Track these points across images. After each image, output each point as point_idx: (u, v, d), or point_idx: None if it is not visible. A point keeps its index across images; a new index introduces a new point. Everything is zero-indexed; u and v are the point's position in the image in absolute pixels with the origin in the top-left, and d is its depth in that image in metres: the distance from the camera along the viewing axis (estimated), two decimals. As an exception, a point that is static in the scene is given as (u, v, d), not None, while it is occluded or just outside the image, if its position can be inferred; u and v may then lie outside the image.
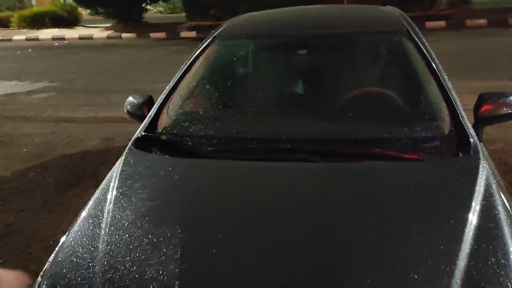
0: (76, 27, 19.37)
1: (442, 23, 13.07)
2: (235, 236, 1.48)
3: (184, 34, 15.41)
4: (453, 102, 1.98)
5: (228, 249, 1.42)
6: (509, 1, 13.96)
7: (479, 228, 1.41)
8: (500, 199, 1.54)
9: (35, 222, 3.47)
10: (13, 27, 20.20)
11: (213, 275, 1.33)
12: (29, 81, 9.19)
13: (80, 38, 16.66)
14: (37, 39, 17.16)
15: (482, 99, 2.11)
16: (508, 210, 1.52)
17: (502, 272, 1.28)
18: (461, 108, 1.97)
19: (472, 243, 1.35)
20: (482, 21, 12.87)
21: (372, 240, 1.39)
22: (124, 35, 16.30)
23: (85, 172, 4.39)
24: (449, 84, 2.10)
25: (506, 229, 1.41)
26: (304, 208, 1.58)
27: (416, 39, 2.35)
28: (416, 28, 2.51)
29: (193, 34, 14.87)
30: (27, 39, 17.18)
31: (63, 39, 16.84)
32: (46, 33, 17.81)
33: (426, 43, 2.38)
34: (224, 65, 2.69)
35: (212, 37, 2.64)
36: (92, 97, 7.44)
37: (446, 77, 2.16)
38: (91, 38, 16.59)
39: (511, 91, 2.22)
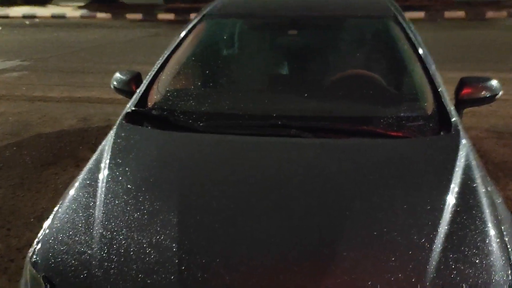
0: (48, 5, 18.77)
1: (421, 14, 13.29)
2: (229, 204, 1.52)
3: (161, 16, 15.16)
4: (436, 84, 2.06)
5: (223, 216, 1.46)
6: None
7: (459, 198, 1.50)
8: (478, 172, 1.64)
9: (13, 199, 3.42)
10: (-19, 3, 19.41)
11: (210, 240, 1.37)
12: (0, 59, 8.90)
13: (53, 16, 16.17)
14: (7, 17, 16.56)
15: (463, 83, 2.20)
16: (485, 182, 1.62)
17: (480, 238, 1.37)
18: (443, 90, 2.05)
19: (452, 212, 1.44)
20: (460, 13, 13.16)
21: (359, 210, 1.46)
22: (98, 15, 15.91)
23: (63, 151, 4.33)
24: (433, 68, 2.18)
25: (483, 199, 1.51)
26: (294, 180, 1.63)
27: (403, 24, 2.42)
28: (403, 14, 2.58)
29: (171, 16, 14.65)
30: (-4, 17, 16.56)
31: (34, 17, 16.29)
32: (17, 11, 17.19)
33: (413, 28, 2.45)
34: (213, 43, 2.70)
35: (201, 15, 2.65)
36: (67, 77, 7.28)
37: (431, 60, 2.24)
38: (64, 17, 16.13)
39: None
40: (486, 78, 2.23)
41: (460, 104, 2.19)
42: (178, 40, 2.50)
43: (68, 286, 1.33)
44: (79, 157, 4.10)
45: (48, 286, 1.35)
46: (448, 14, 13.25)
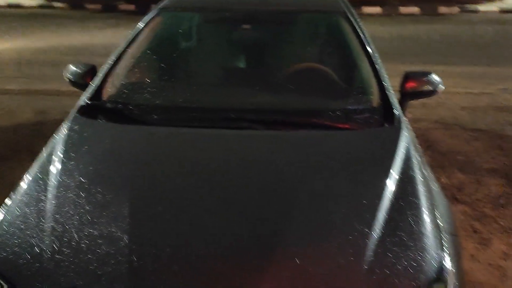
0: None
1: (378, 9, 13.64)
2: (179, 196, 1.58)
3: (122, 6, 14.91)
4: (382, 78, 2.18)
5: (173, 207, 1.52)
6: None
7: (397, 186, 1.62)
8: (417, 162, 1.76)
9: (-32, 194, 3.34)
10: None
11: (160, 231, 1.43)
12: (-46, 50, 8.57)
13: (9, 5, 15.61)
14: (-41, 5, 15.87)
15: (407, 77, 2.33)
16: (423, 171, 1.75)
17: (415, 222, 1.48)
18: (388, 84, 2.17)
19: (390, 199, 1.55)
20: (415, 9, 13.59)
21: (303, 198, 1.56)
22: (56, 4, 15.48)
23: (19, 145, 4.24)
24: (379, 62, 2.29)
25: (419, 187, 1.63)
26: (242, 171, 1.72)
27: (352, 20, 2.52)
28: (353, 10, 2.69)
29: (131, 7, 14.44)
30: None
31: (-12, 6, 15.70)
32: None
33: (361, 24, 2.57)
34: (169, 37, 2.74)
35: (158, 9, 2.68)
36: (25, 69, 7.11)
37: (377, 56, 2.36)
38: (19, 6, 15.60)
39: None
40: (428, 72, 2.37)
41: (405, 97, 2.31)
42: (134, 34, 2.52)
43: (20, 279, 1.35)
44: (35, 151, 3.96)
45: (1, 281, 1.36)
46: (403, 9, 13.66)
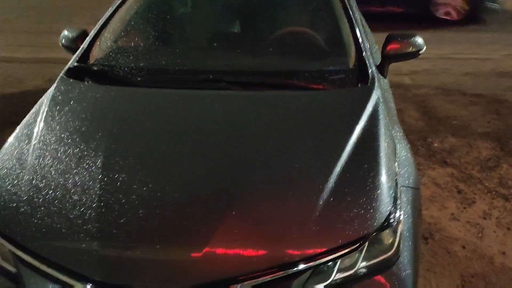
0: (17, -36, 18.08)
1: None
2: (151, 149, 1.69)
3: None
4: (360, 40, 2.21)
5: (144, 159, 1.63)
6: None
7: (360, 141, 1.70)
8: (383, 120, 1.82)
9: (-26, 156, 3.52)
10: None
11: (129, 180, 1.54)
12: (-35, 19, 8.72)
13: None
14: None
15: (389, 39, 2.35)
16: (388, 129, 1.81)
17: (371, 174, 1.56)
18: (366, 46, 2.21)
19: (350, 152, 1.63)
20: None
21: (268, 151, 1.66)
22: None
23: (26, 111, 4.31)
24: (359, 26, 2.33)
25: (381, 142, 1.70)
26: (214, 127, 1.81)
27: None
28: None
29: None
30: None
31: (2, -24, 15.75)
32: (-16, -31, 16.56)
33: None
34: (158, 1, 2.79)
35: None
36: (34, 38, 7.21)
37: (359, 18, 2.39)
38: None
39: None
40: (411, 34, 2.38)
41: (386, 59, 2.34)
42: (122, -3, 2.59)
43: (0, 223, 1.48)
44: (41, 116, 4.18)
45: None
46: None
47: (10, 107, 4.46)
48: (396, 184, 1.60)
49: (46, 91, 5.01)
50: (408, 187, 1.68)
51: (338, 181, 1.52)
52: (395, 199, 1.54)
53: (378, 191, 1.52)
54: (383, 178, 1.57)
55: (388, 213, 1.47)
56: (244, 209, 1.45)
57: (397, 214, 1.50)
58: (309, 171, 1.57)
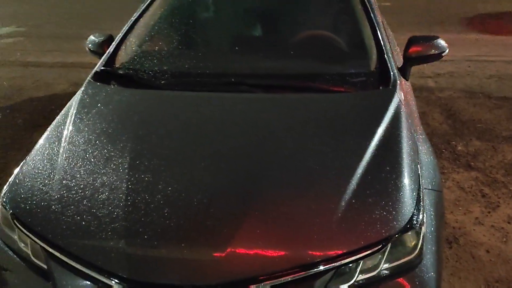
0: (45, -29, 18.57)
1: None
2: (176, 151, 1.73)
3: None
4: (382, 43, 2.22)
5: (169, 160, 1.67)
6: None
7: (381, 143, 1.70)
8: (405, 122, 1.82)
9: (4, 158, 3.64)
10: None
11: (155, 180, 1.58)
12: (-4, 25, 9.01)
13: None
14: (4, -17, 16.47)
15: (410, 41, 2.34)
16: (411, 131, 1.81)
17: (393, 177, 1.56)
18: (388, 49, 2.21)
19: (372, 154, 1.64)
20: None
21: (291, 152, 1.68)
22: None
23: (54, 113, 4.46)
24: (381, 28, 2.33)
25: (403, 146, 1.70)
26: (238, 128, 1.84)
27: None
28: None
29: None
30: (-7, -17, 16.45)
31: (31, -17, 16.20)
32: (13, -23, 17.07)
33: None
34: (181, 6, 2.85)
35: None
36: (62, 43, 7.41)
37: (380, 21, 2.39)
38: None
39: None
40: (434, 37, 2.37)
41: (408, 61, 2.34)
42: (147, 3, 2.65)
43: (32, 221, 1.54)
44: (68, 119, 4.29)
45: (15, 222, 1.56)
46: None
47: (39, 110, 4.59)
48: (419, 186, 1.60)
49: (72, 95, 5.12)
50: (431, 189, 1.68)
51: (360, 182, 1.53)
52: (418, 201, 1.53)
53: (401, 193, 1.52)
54: (406, 180, 1.57)
55: (410, 215, 1.47)
56: (266, 210, 1.47)
57: (420, 217, 1.49)
58: (330, 172, 1.58)
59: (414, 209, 1.50)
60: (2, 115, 4.53)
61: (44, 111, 4.56)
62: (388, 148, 1.69)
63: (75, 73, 5.79)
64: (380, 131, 1.75)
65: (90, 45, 2.62)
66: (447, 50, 2.35)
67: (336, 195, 1.49)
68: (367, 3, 2.46)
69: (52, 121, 4.18)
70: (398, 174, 1.58)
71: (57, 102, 4.80)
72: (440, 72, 5.10)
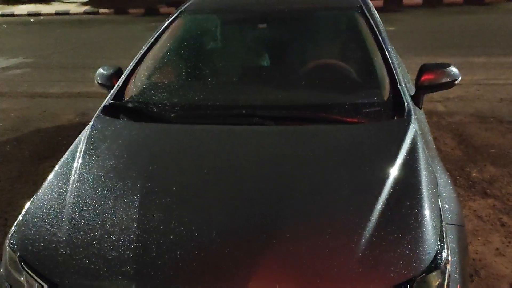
0: (53, 3, 18.96)
1: (419, 0, 13.27)
2: (187, 188, 1.67)
3: (163, 10, 15.28)
4: (394, 72, 2.18)
5: (180, 198, 1.62)
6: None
7: (400, 176, 1.64)
8: (423, 154, 1.76)
9: (11, 191, 3.59)
10: (-13, 2, 19.72)
11: (166, 220, 1.52)
12: (5, 57, 9.11)
13: (57, 13, 16.39)
14: (13, 15, 16.81)
15: (422, 69, 2.30)
16: (429, 163, 1.75)
17: (413, 213, 1.49)
18: (400, 78, 2.17)
19: (391, 189, 1.57)
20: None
21: (307, 188, 1.61)
22: (101, 10, 16.09)
23: (60, 145, 4.49)
24: (393, 57, 2.30)
25: (423, 178, 1.63)
26: (250, 164, 1.78)
27: (368, 16, 2.53)
28: (370, 5, 2.69)
29: (172, 10, 14.72)
30: (2, 15, 16.80)
31: (39, 14, 16.53)
32: (22, 9, 17.44)
33: (378, 19, 2.57)
34: (190, 38, 2.84)
35: (178, 11, 2.79)
36: (68, 73, 7.47)
37: (391, 49, 2.36)
38: (67, 13, 16.33)
39: (455, 63, 2.40)
40: (446, 64, 2.33)
41: (420, 90, 2.29)
42: (155, 35, 2.65)
43: (40, 264, 1.48)
44: (75, 150, 4.25)
45: (23, 265, 1.50)
46: (446, -1, 13.21)
47: (46, 142, 4.57)
48: (441, 221, 1.53)
49: (79, 125, 5.15)
50: (453, 224, 1.61)
51: (380, 219, 1.46)
52: (441, 238, 1.46)
53: (423, 230, 1.45)
54: (428, 215, 1.50)
55: (435, 253, 1.40)
56: (283, 250, 1.40)
57: (445, 255, 1.42)
58: (348, 208, 1.52)
59: (438, 247, 1.43)
60: (9, 147, 4.51)
61: (51, 143, 4.54)
62: (407, 182, 1.63)
63: (82, 103, 5.81)
64: (397, 164, 1.69)
65: (99, 78, 2.60)
66: (460, 78, 2.31)
67: (356, 232, 1.42)
68: (377, 31, 2.43)
69: (58, 153, 4.21)
70: (419, 210, 1.51)
71: (63, 133, 4.79)
72: (449, 96, 5.05)
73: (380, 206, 1.50)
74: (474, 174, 3.40)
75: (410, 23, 10.16)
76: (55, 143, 4.54)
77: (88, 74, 7.22)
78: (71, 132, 4.82)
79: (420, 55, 6.41)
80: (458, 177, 3.33)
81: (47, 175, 3.71)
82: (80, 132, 4.70)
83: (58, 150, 4.33)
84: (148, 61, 2.53)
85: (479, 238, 2.64)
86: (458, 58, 6.60)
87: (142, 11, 15.42)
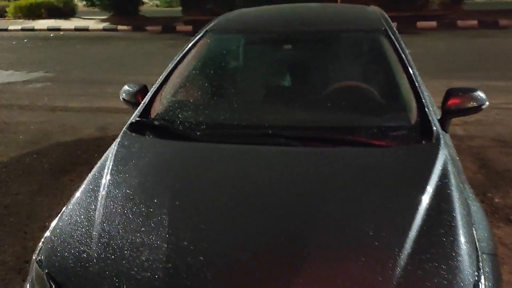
0: (72, 19, 19.42)
1: (433, 23, 13.31)
2: (216, 207, 1.66)
3: (180, 28, 15.52)
4: (421, 95, 2.17)
5: (210, 218, 1.60)
6: (500, 3, 14.19)
7: (432, 203, 1.60)
8: (454, 180, 1.73)
9: (31, 204, 3.62)
10: (9, 17, 20.23)
11: (196, 240, 1.51)
12: (25, 71, 9.29)
13: (76, 29, 16.72)
14: (33, 30, 17.19)
15: (449, 94, 2.29)
16: (461, 189, 1.72)
17: (449, 241, 1.46)
18: (428, 101, 2.16)
19: (424, 216, 1.54)
20: (473, 22, 13.11)
21: (335, 213, 1.58)
22: (120, 27, 16.39)
23: (80, 158, 4.54)
24: (419, 79, 2.29)
25: (456, 205, 1.60)
26: (277, 186, 1.77)
27: (393, 38, 2.53)
28: (394, 28, 2.69)
29: (189, 28, 14.98)
30: (23, 29, 17.20)
31: (58, 30, 16.88)
32: (42, 24, 17.84)
33: (402, 42, 2.57)
34: (215, 57, 2.86)
35: (204, 31, 2.83)
36: (88, 88, 7.57)
37: (417, 73, 2.35)
38: (87, 29, 16.66)
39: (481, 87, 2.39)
40: (472, 89, 2.32)
41: (447, 114, 2.28)
42: (181, 54, 2.68)
43: (67, 281, 1.47)
44: (94, 165, 4.27)
45: (50, 282, 1.49)
46: (461, 23, 13.23)
47: (65, 156, 4.61)
48: (477, 250, 1.49)
49: (98, 140, 5.20)
50: (488, 253, 1.57)
51: (414, 246, 1.43)
52: (478, 268, 1.43)
53: (460, 259, 1.41)
54: (463, 244, 1.46)
55: (472, 284, 1.36)
56: (314, 275, 1.38)
57: (482, 286, 1.38)
58: (381, 234, 1.49)
59: (476, 278, 1.39)
60: (29, 159, 4.56)
61: (70, 156, 4.58)
62: (440, 208, 1.59)
63: (101, 117, 5.87)
64: (429, 189, 1.67)
65: (124, 95, 2.63)
66: (487, 103, 2.29)
67: (390, 260, 1.39)
68: (402, 54, 2.43)
69: (78, 167, 4.28)
70: (455, 238, 1.48)
71: (83, 147, 4.84)
72: (468, 120, 5.01)
73: (413, 233, 1.47)
74: (497, 200, 3.34)
75: (426, 46, 10.15)
76: (74, 156, 4.58)
77: (107, 89, 7.34)
78: (90, 146, 4.87)
79: (437, 78, 6.38)
80: (481, 203, 3.27)
81: (67, 189, 3.83)
82: (99, 146, 4.83)
83: (78, 164, 4.37)
84: (174, 79, 2.56)
85: (505, 267, 2.58)
86: (475, 81, 6.56)
87: (159, 28, 15.68)
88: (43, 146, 4.91)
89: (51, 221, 3.26)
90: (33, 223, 3.33)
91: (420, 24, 13.05)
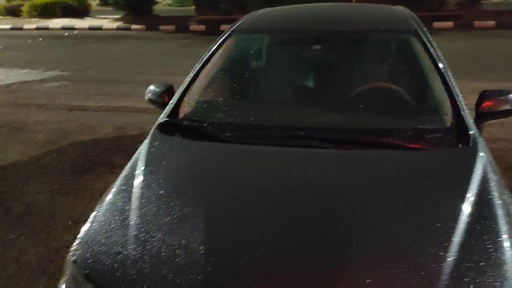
0: (86, 18, 19.56)
1: (449, 24, 13.18)
2: (251, 210, 1.64)
3: (193, 27, 15.55)
4: (456, 97, 2.12)
5: (245, 221, 1.58)
6: (518, 3, 14.02)
7: (474, 209, 1.55)
8: (495, 185, 1.68)
9: (52, 204, 3.62)
10: (24, 16, 20.43)
11: (233, 243, 1.48)
12: (41, 69, 9.36)
13: (90, 28, 16.84)
14: (47, 29, 17.35)
15: (483, 96, 2.25)
16: (502, 194, 1.67)
17: (493, 247, 1.41)
18: (463, 103, 2.11)
19: (466, 222, 1.49)
20: (491, 23, 12.96)
21: (372, 218, 1.54)
22: (133, 26, 16.47)
23: (99, 158, 4.54)
24: (453, 81, 2.24)
25: (498, 211, 1.55)
26: (312, 189, 1.73)
27: (424, 38, 2.48)
28: (424, 28, 2.65)
29: (202, 27, 15.02)
30: (38, 28, 17.37)
31: (73, 29, 17.01)
32: (56, 23, 17.99)
33: (433, 42, 2.52)
34: (242, 57, 2.84)
35: (230, 31, 2.80)
36: (104, 87, 7.60)
37: (450, 74, 2.30)
38: (100, 28, 16.76)
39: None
40: (507, 91, 2.27)
41: (481, 117, 2.23)
42: (208, 54, 2.65)
43: (104, 282, 1.45)
44: (114, 164, 4.30)
45: (88, 283, 1.48)
46: (478, 23, 13.08)
47: (84, 155, 4.61)
48: None
49: (116, 139, 5.18)
50: (533, 261, 1.52)
51: (459, 253, 1.39)
52: None
53: (505, 267, 1.37)
54: (508, 251, 1.42)
55: None
56: (357, 281, 1.34)
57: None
58: (424, 240, 1.45)
59: None
60: (48, 159, 4.57)
61: (89, 156, 4.58)
62: (483, 214, 1.55)
63: (118, 117, 5.87)
64: (470, 195, 1.62)
65: (150, 95, 2.61)
66: None
67: (435, 269, 1.35)
68: (434, 55, 2.38)
69: (98, 166, 4.28)
70: (499, 244, 1.44)
71: (101, 147, 4.84)
72: (490, 122, 4.89)
73: (457, 239, 1.43)
74: (524, 204, 3.27)
75: (442, 46, 10.00)
76: (93, 156, 4.58)
77: (123, 88, 7.36)
78: (109, 146, 4.87)
79: (456, 79, 6.30)
80: None
81: (87, 189, 3.83)
82: (117, 146, 4.82)
83: (98, 164, 4.37)
84: (201, 80, 2.54)
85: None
86: (495, 82, 6.47)
87: (173, 28, 15.72)
88: (62, 145, 4.92)
89: (73, 220, 3.32)
90: (55, 223, 3.32)
91: (437, 24, 12.92)
